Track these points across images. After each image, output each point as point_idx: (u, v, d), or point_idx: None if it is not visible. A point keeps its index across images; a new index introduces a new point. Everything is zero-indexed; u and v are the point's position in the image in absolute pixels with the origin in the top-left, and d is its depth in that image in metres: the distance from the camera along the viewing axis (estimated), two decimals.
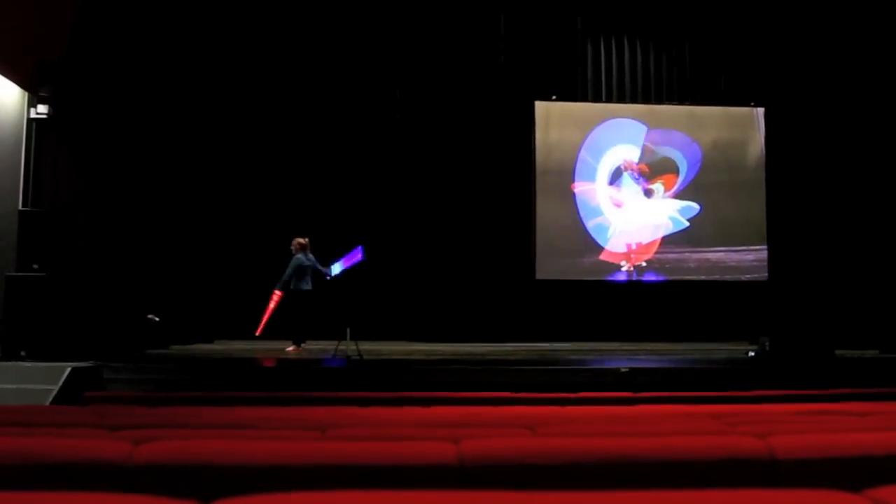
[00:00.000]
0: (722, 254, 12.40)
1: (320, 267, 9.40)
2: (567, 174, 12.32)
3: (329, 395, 5.84)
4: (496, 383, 6.82)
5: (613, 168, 12.47)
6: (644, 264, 12.35)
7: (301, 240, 9.50)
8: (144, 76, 10.49)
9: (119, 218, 10.03)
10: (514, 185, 12.20)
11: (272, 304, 9.35)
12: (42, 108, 9.27)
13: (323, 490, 2.05)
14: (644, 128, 12.54)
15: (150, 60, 10.55)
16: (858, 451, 2.56)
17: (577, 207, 12.31)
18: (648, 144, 12.51)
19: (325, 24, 11.91)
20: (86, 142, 9.68)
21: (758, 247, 12.43)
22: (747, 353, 9.07)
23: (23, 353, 7.64)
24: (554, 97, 12.42)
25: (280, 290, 9.31)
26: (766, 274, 12.36)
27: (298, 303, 9.32)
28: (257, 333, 9.44)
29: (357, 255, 8.76)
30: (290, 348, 9.47)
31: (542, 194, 12.23)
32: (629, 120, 12.55)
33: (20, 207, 9.08)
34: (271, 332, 10.45)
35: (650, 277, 12.34)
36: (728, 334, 11.39)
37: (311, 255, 9.49)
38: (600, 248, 12.27)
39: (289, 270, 9.31)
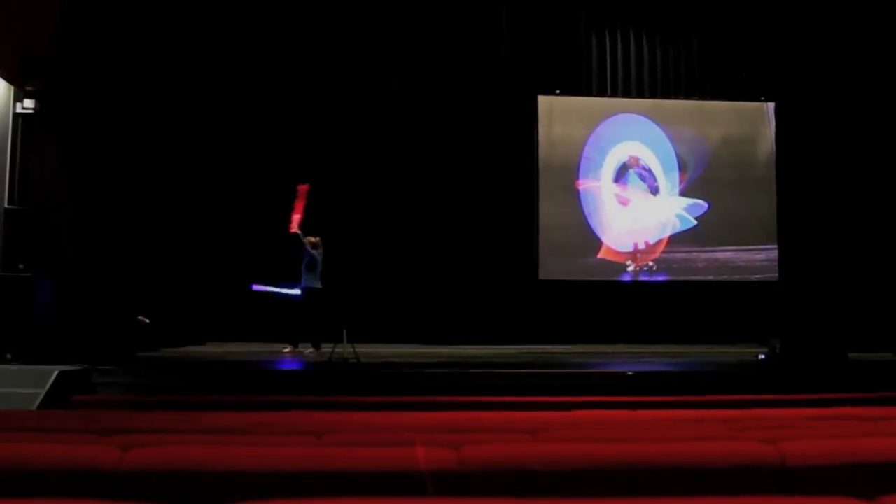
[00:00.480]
0: (731, 253, 12.40)
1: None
2: (571, 171, 12.31)
3: (325, 399, 5.85)
4: (497, 387, 6.81)
5: (619, 164, 12.46)
6: (651, 264, 12.34)
7: (313, 238, 9.54)
8: (134, 69, 10.47)
9: (108, 216, 10.02)
10: (517, 183, 12.18)
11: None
12: (28, 103, 9.26)
13: (319, 498, 2.06)
14: (650, 123, 12.53)
15: (140, 53, 10.54)
16: (872, 458, 2.56)
17: (581, 205, 12.31)
18: (655, 140, 12.50)
19: (321, 15, 11.90)
20: (74, 137, 9.67)
21: (768, 246, 12.42)
22: (757, 356, 9.07)
23: (8, 356, 7.63)
24: (557, 91, 12.40)
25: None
26: (777, 274, 12.35)
27: (309, 300, 9.32)
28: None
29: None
30: (287, 349, 9.46)
31: (545, 192, 12.22)
32: (635, 115, 12.53)
33: (6, 205, 9.07)
34: (265, 335, 10.45)
35: (657, 277, 12.34)
36: (737, 336, 11.38)
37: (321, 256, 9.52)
38: (605, 248, 12.27)
39: (308, 248, 9.42)
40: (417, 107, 12.08)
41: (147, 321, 9.66)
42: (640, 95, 12.71)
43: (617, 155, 12.46)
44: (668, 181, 12.51)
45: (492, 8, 12.34)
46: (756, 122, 12.65)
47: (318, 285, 9.40)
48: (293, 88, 11.82)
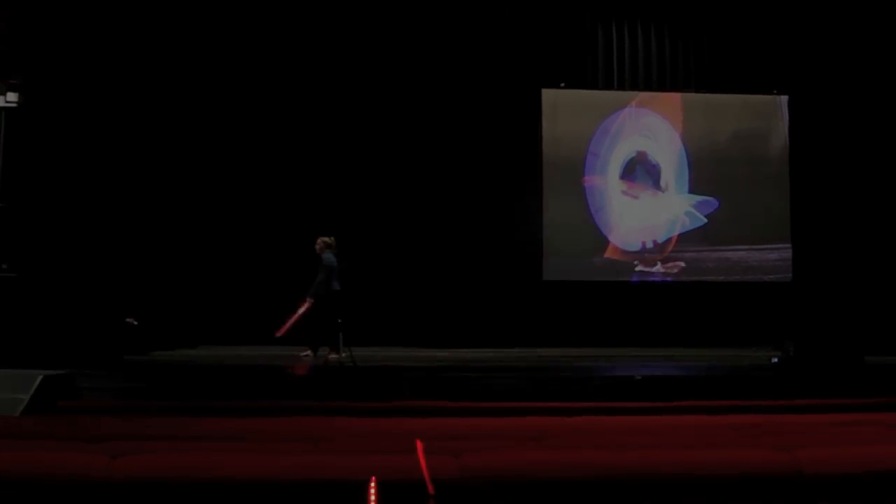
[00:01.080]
0: (743, 252, 12.39)
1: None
2: (576, 167, 12.30)
3: (321, 405, 5.85)
4: (500, 392, 6.82)
5: (626, 160, 12.45)
6: (659, 264, 12.33)
7: (327, 239, 9.42)
8: (122, 63, 10.47)
9: (95, 214, 10.01)
10: (520, 180, 12.16)
11: (301, 310, 9.26)
12: (12, 97, 9.24)
13: None
14: (658, 117, 12.52)
15: (128, 46, 10.53)
16: (891, 465, 2.56)
17: (587, 203, 12.30)
18: (663, 134, 12.49)
19: (316, 5, 11.86)
20: (59, 133, 9.67)
21: (781, 245, 12.41)
22: (771, 360, 9.06)
23: None
24: (562, 84, 12.39)
25: (312, 296, 9.21)
26: (791, 274, 12.35)
27: (332, 304, 9.16)
28: (277, 334, 9.38)
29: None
30: (333, 356, 9.25)
31: (549, 189, 12.20)
32: (643, 109, 12.52)
33: None
34: (261, 338, 10.40)
35: (665, 278, 12.33)
36: (750, 339, 11.36)
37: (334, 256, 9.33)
38: (612, 247, 12.26)
39: (322, 275, 9.18)
40: (418, 101, 12.04)
41: (135, 323, 9.65)
42: (648, 88, 12.69)
43: (624, 150, 12.45)
44: (677, 177, 12.51)
45: None
46: (768, 115, 12.64)
47: (338, 287, 9.24)
48: (287, 81, 11.76)
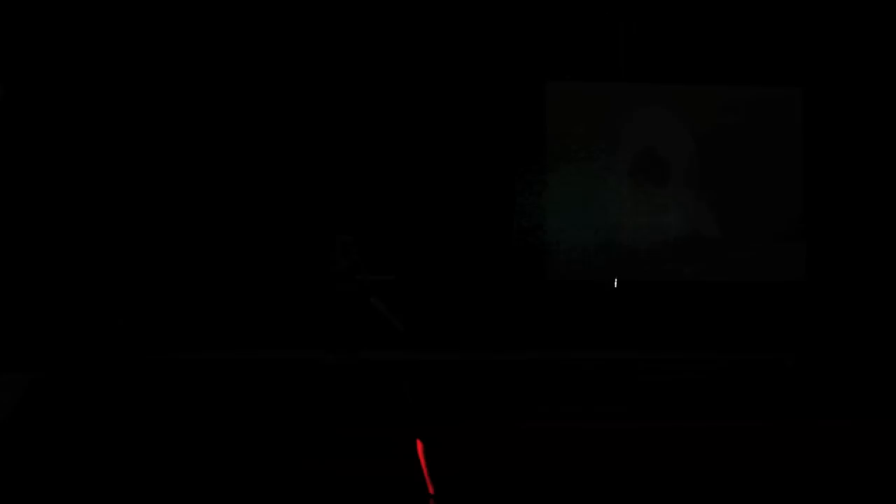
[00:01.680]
0: (754, 251, 12.39)
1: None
2: (581, 164, 12.31)
3: (320, 407, 5.88)
4: (501, 395, 6.84)
5: (634, 156, 12.45)
6: (666, 263, 12.34)
7: (343, 236, 9.47)
8: (114, 53, 10.47)
9: (84, 211, 10.03)
10: (522, 176, 12.18)
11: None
12: None
13: None
14: (668, 111, 12.53)
15: (121, 35, 10.53)
16: None
17: (592, 200, 12.30)
18: (672, 129, 12.51)
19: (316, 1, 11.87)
20: (46, 127, 9.68)
21: (795, 244, 12.42)
22: (783, 364, 9.08)
23: None
24: (567, 77, 12.40)
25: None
26: (804, 275, 12.36)
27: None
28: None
29: None
30: (331, 357, 9.29)
31: (552, 186, 12.20)
32: (651, 102, 12.51)
33: None
34: (259, 340, 10.45)
35: (673, 277, 12.34)
36: (760, 342, 11.40)
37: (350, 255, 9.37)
38: (618, 246, 12.27)
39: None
40: (418, 95, 12.01)
41: (127, 324, 9.67)
42: (657, 80, 12.68)
43: (632, 145, 12.46)
44: (688, 172, 12.51)
45: None
46: (783, 109, 12.64)
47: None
48: (287, 76, 11.66)
